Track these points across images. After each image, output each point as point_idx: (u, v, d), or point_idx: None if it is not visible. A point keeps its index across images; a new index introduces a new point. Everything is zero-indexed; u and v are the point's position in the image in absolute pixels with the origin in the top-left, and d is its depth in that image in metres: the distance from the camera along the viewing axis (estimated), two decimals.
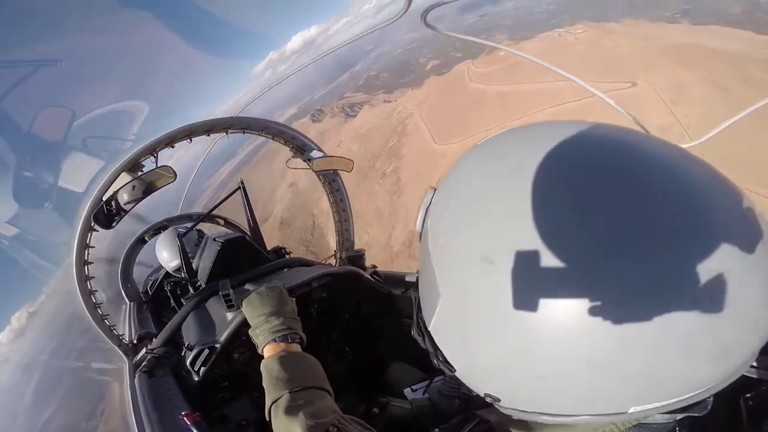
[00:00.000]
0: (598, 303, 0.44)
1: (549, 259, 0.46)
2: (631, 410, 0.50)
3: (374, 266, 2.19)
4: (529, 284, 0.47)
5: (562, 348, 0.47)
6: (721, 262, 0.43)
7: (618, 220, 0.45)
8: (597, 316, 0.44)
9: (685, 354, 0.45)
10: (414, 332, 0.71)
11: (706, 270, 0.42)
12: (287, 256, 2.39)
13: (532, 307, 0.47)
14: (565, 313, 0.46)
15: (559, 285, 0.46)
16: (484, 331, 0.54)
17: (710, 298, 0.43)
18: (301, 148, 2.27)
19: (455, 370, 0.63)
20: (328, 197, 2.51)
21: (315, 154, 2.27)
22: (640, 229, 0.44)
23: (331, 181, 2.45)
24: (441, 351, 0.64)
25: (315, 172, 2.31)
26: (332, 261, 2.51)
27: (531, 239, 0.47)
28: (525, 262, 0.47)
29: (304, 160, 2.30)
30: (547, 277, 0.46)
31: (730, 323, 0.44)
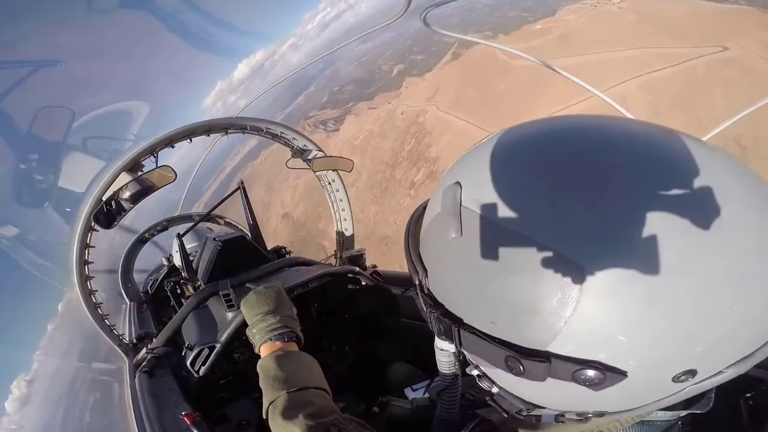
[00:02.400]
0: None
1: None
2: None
3: (374, 266, 2.19)
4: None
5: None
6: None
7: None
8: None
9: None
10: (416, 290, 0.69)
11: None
12: (287, 256, 2.40)
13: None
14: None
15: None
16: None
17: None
18: (301, 148, 2.27)
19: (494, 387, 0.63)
20: (328, 197, 2.51)
21: (315, 154, 2.27)
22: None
23: (331, 181, 2.45)
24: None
25: (315, 172, 2.31)
26: (332, 261, 2.51)
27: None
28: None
29: (304, 161, 2.30)
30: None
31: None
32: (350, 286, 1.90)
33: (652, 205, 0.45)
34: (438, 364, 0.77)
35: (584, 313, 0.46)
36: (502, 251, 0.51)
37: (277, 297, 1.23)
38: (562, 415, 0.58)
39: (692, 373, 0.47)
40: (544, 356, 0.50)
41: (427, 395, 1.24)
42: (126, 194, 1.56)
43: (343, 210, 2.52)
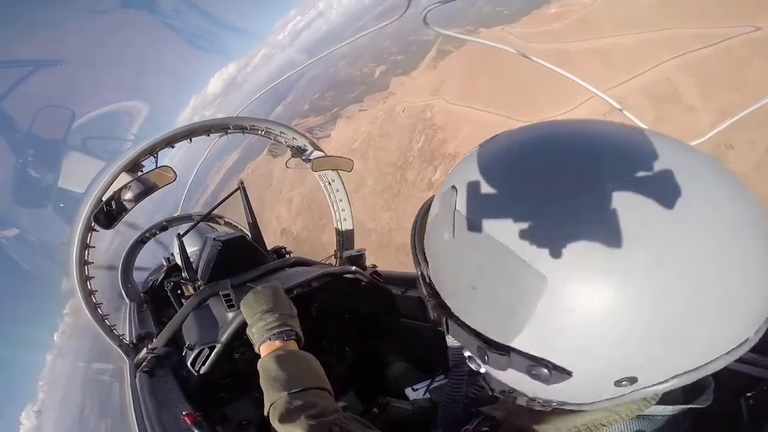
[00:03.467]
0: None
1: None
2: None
3: (374, 266, 2.19)
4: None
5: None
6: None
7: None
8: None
9: None
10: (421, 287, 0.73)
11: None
12: (287, 256, 2.40)
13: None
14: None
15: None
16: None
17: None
18: (301, 148, 2.27)
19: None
20: (328, 197, 2.51)
21: (315, 154, 2.27)
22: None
23: (330, 181, 2.45)
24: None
25: (315, 172, 2.31)
26: (332, 261, 2.51)
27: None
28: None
29: (303, 160, 2.30)
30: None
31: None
32: (350, 286, 1.90)
33: (606, 226, 0.48)
34: (449, 349, 0.80)
35: (541, 318, 0.52)
36: (482, 255, 0.57)
37: (274, 296, 1.23)
38: (533, 400, 0.64)
39: (632, 380, 0.52)
40: (506, 350, 0.57)
41: (427, 395, 1.24)
42: (126, 194, 1.56)
43: (343, 210, 2.52)
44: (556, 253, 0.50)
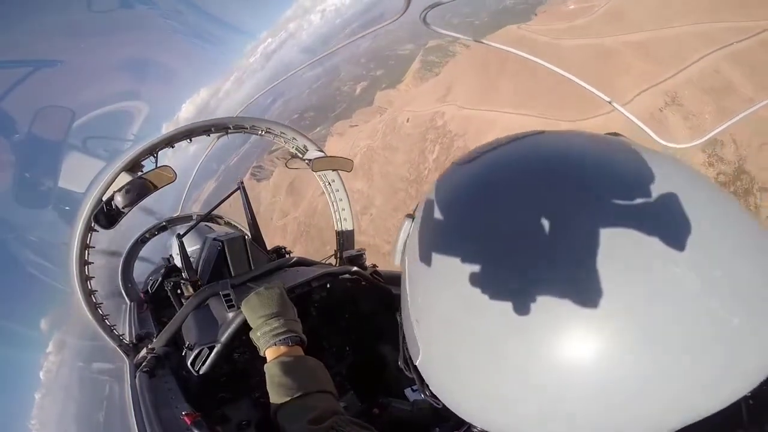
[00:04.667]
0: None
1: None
2: None
3: (374, 266, 2.19)
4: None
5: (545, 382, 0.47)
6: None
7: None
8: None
9: None
10: (401, 362, 0.72)
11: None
12: (287, 256, 2.39)
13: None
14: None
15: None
16: (469, 369, 0.54)
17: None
18: (301, 148, 2.27)
19: (441, 404, 0.64)
20: (328, 197, 2.51)
21: (315, 154, 2.27)
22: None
23: (330, 181, 2.45)
24: (428, 385, 0.65)
25: (315, 172, 2.31)
26: (332, 261, 2.51)
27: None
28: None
29: (303, 161, 2.30)
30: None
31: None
32: (350, 286, 1.90)
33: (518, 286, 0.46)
34: None
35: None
36: (428, 289, 0.58)
37: (278, 299, 1.23)
38: None
39: None
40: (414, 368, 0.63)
41: None
42: (126, 194, 1.56)
43: (343, 210, 2.52)
44: (519, 308, 0.46)
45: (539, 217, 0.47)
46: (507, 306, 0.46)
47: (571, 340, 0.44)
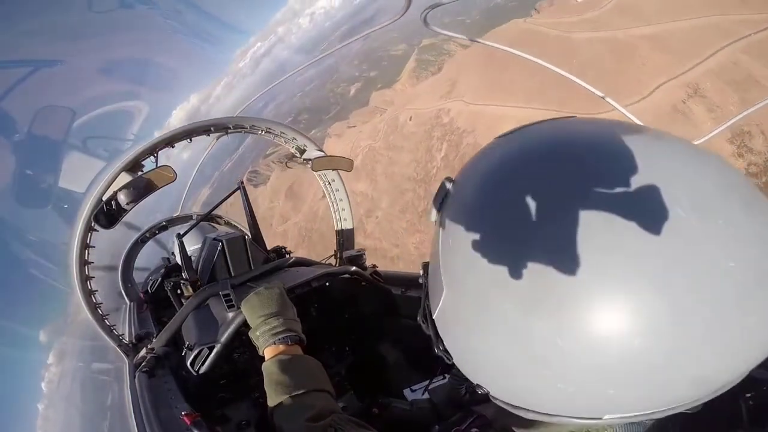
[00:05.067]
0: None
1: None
2: (606, 417, 0.53)
3: (374, 266, 2.19)
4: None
5: (552, 352, 0.49)
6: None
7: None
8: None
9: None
10: (419, 318, 0.74)
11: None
12: (287, 256, 2.39)
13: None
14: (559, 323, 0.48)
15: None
16: (482, 329, 0.57)
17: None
18: (301, 148, 2.27)
19: (452, 359, 0.66)
20: (328, 197, 2.51)
21: (315, 153, 2.27)
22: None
23: (330, 181, 2.45)
24: (442, 339, 0.67)
25: (315, 172, 2.31)
26: (332, 261, 2.51)
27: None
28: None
29: (304, 160, 2.30)
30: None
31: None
32: (350, 286, 1.90)
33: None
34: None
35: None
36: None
37: (278, 298, 1.23)
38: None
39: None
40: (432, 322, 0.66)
41: (426, 396, 1.24)
42: (126, 194, 1.56)
43: (343, 210, 2.52)
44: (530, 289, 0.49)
45: (550, 199, 0.50)
46: (521, 283, 0.49)
47: (583, 319, 0.46)
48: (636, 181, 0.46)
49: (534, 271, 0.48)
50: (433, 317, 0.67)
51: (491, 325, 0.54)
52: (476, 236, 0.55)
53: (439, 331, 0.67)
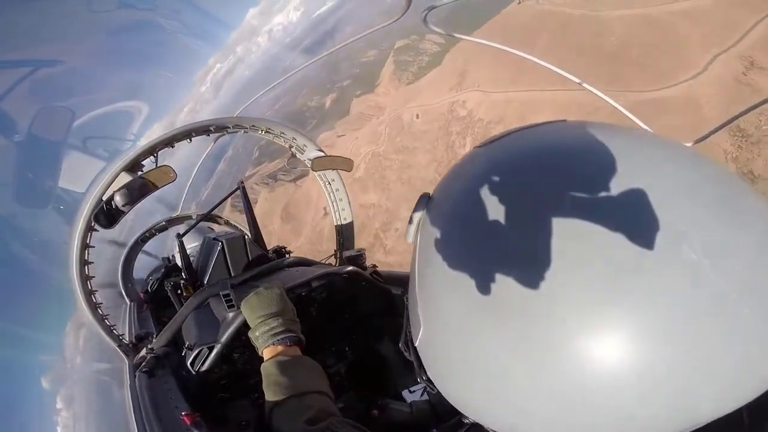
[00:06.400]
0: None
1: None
2: None
3: (374, 266, 2.19)
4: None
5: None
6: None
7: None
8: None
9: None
10: (401, 344, 0.72)
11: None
12: (287, 256, 2.39)
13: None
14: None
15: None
16: (466, 372, 0.53)
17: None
18: (301, 148, 2.27)
19: (435, 390, 0.64)
20: (328, 197, 2.51)
21: (314, 153, 2.27)
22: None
23: (330, 180, 2.45)
24: (425, 369, 0.64)
25: (315, 172, 2.31)
26: (332, 261, 2.51)
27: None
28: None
29: (304, 160, 2.30)
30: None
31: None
32: (350, 286, 1.90)
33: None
34: None
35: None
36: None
37: (277, 299, 1.23)
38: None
39: None
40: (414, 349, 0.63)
41: (425, 397, 1.24)
42: (126, 194, 1.56)
43: (343, 210, 2.52)
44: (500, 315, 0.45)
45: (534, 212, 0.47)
46: (508, 325, 0.46)
47: (562, 346, 0.43)
48: (616, 185, 0.44)
49: (517, 310, 0.45)
50: (415, 345, 0.64)
51: (476, 368, 0.50)
52: (448, 264, 0.51)
53: (422, 360, 0.64)
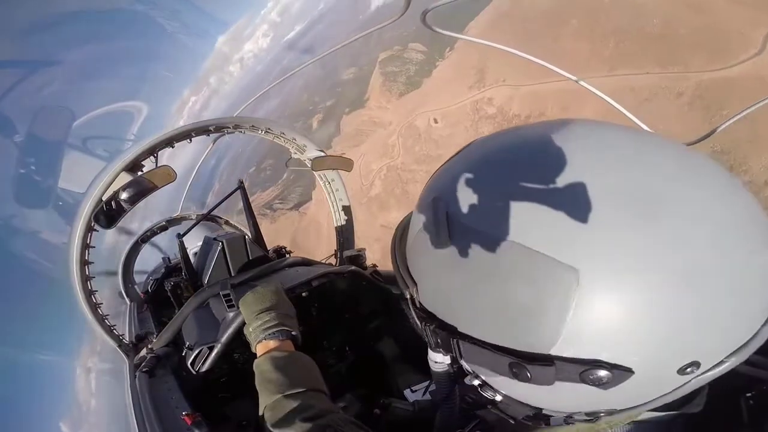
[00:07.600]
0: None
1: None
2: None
3: (374, 266, 2.19)
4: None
5: None
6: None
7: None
8: None
9: None
10: (414, 321, 0.77)
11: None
12: (287, 256, 2.39)
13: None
14: None
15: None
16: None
17: None
18: (301, 148, 2.27)
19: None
20: (328, 197, 2.51)
21: (315, 153, 2.27)
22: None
23: (330, 180, 2.45)
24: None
25: (315, 172, 2.31)
26: (332, 261, 2.51)
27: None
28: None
29: (304, 160, 2.31)
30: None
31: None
32: (350, 286, 1.90)
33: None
34: (433, 375, 0.77)
35: (584, 314, 0.46)
36: (492, 258, 0.51)
37: (273, 295, 1.23)
38: (571, 417, 0.58)
39: (696, 365, 0.47)
40: (549, 360, 0.49)
41: (427, 396, 1.24)
42: (126, 194, 1.56)
43: (344, 209, 2.52)
44: (585, 243, 0.48)
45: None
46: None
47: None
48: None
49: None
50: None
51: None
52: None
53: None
